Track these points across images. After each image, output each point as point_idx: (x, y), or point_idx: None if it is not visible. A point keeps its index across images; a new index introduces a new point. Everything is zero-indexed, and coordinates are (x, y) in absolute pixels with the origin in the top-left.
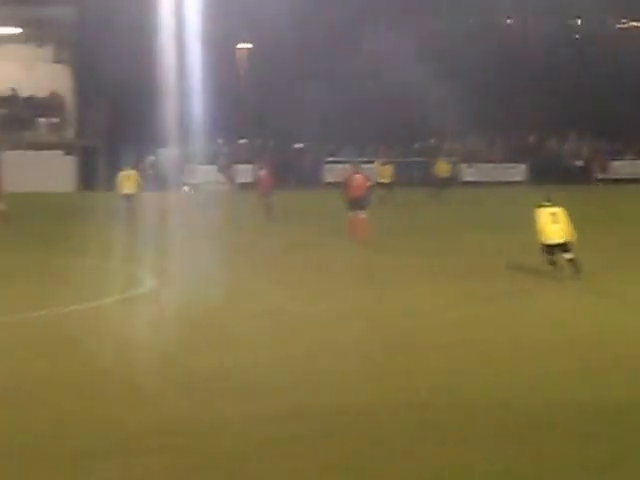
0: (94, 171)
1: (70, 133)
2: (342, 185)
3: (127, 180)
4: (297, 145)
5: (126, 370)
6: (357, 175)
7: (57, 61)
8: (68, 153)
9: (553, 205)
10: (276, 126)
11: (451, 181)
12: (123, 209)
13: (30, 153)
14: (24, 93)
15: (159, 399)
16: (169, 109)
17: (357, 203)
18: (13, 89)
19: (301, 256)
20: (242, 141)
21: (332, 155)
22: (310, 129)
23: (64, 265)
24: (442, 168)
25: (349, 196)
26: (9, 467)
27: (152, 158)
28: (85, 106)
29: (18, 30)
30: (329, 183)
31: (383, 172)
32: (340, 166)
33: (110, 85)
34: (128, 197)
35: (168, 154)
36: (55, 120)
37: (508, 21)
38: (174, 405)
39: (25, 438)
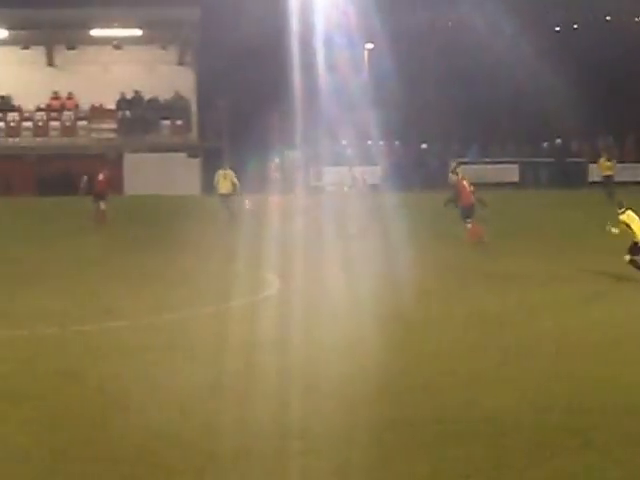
0: None
1: (193, 135)
2: (454, 191)
3: (224, 180)
4: (422, 146)
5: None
6: (464, 181)
7: (180, 63)
8: (191, 155)
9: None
10: (401, 127)
11: (613, 178)
12: (222, 210)
13: (153, 155)
14: (147, 95)
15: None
16: (294, 110)
17: (471, 210)
18: (137, 91)
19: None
20: (369, 142)
21: (458, 156)
22: (435, 129)
23: (190, 268)
24: (604, 166)
25: (463, 203)
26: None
27: (277, 160)
28: (208, 108)
29: (141, 32)
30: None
31: None
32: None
33: (233, 86)
34: (224, 197)
35: (294, 156)
36: (178, 122)
37: (636, 19)
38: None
39: None
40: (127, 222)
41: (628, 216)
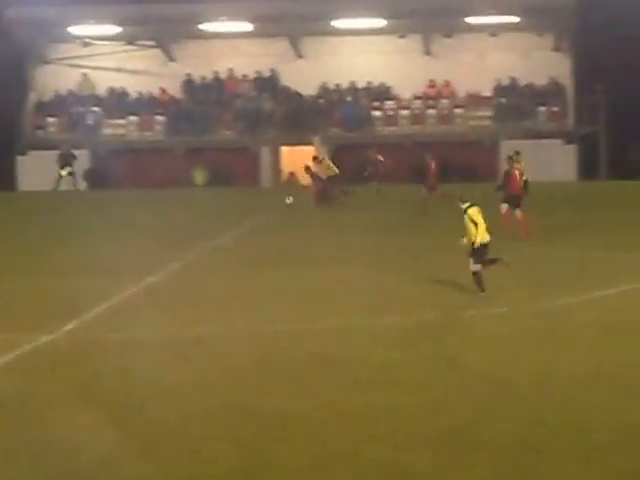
0: (595, 160)
1: (569, 121)
2: (504, 180)
3: None
4: None
5: None
6: (515, 171)
7: (556, 49)
8: (568, 142)
9: None
10: None
11: None
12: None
13: (529, 142)
14: (523, 82)
15: None
16: None
17: (515, 200)
18: (512, 78)
19: None
20: None
21: None
22: None
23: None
24: None
25: (508, 192)
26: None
27: None
28: (584, 93)
29: (518, 19)
30: None
31: None
32: None
33: (611, 71)
34: None
35: None
36: (554, 109)
37: None
38: None
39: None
40: None
41: (476, 212)
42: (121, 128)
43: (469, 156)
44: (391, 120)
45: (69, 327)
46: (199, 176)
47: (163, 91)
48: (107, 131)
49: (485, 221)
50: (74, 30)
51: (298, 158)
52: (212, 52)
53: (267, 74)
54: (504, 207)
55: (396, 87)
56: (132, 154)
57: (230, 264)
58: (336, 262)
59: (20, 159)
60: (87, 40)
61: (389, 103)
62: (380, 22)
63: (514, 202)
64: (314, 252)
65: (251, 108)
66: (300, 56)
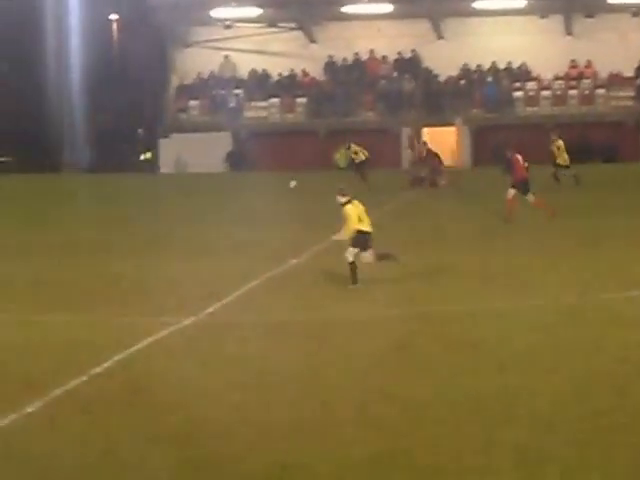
0: None
1: None
2: (508, 165)
3: None
4: None
5: None
6: (519, 155)
7: None
8: None
9: None
10: None
11: None
12: None
13: None
14: None
15: None
16: None
17: (524, 186)
18: None
19: None
20: None
21: None
22: None
23: None
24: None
25: (514, 178)
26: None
27: None
28: None
29: None
30: None
31: None
32: None
33: None
34: None
35: None
36: None
37: None
38: None
39: None
40: None
41: (353, 207)
42: (263, 110)
43: (611, 137)
44: (532, 101)
45: (211, 309)
46: (341, 158)
47: (305, 73)
48: (248, 114)
49: (366, 214)
50: (216, 13)
51: (440, 139)
52: (353, 34)
53: (408, 55)
54: (511, 192)
55: (537, 68)
56: (273, 137)
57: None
58: (478, 242)
59: (162, 141)
60: (228, 23)
61: (530, 84)
62: (521, 2)
63: (523, 188)
64: (459, 233)
65: (392, 89)
66: (441, 37)
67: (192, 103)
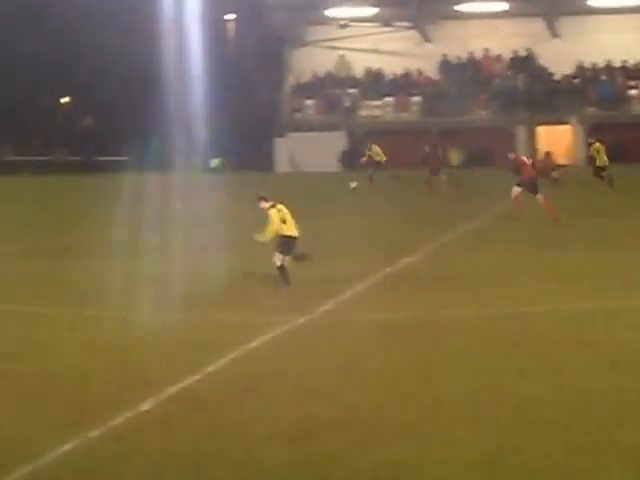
0: None
1: None
2: (515, 167)
3: None
4: None
5: None
6: (523, 157)
7: None
8: None
9: None
10: None
11: None
12: None
13: None
14: None
15: None
16: None
17: (531, 186)
18: None
19: None
20: None
21: None
22: None
23: None
24: None
25: (522, 178)
26: None
27: None
28: None
29: None
30: None
31: None
32: None
33: None
34: None
35: None
36: None
37: None
38: None
39: None
40: None
41: (275, 212)
42: (377, 109)
43: None
44: None
45: (326, 307)
46: (455, 156)
47: (419, 72)
48: (363, 113)
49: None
50: (331, 12)
51: (554, 138)
52: (467, 32)
53: (523, 54)
54: (516, 190)
55: None
56: (388, 135)
57: (484, 246)
58: (576, 244)
59: (278, 141)
60: (343, 22)
61: None
62: (635, 0)
63: (531, 188)
64: (567, 235)
65: (507, 88)
66: (556, 35)
67: (307, 102)
